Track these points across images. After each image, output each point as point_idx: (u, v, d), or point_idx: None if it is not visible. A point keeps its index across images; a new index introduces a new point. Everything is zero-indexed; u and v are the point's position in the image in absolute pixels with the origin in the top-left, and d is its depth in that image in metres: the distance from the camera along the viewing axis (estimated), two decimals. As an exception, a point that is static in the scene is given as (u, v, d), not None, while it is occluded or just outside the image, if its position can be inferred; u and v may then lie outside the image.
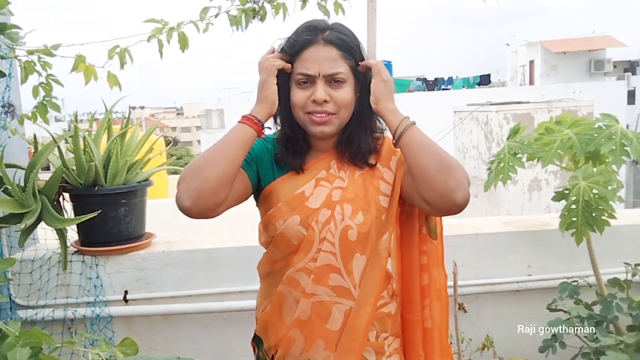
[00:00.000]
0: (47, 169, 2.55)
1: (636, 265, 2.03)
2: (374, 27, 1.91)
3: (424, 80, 22.84)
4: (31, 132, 2.16)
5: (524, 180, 8.97)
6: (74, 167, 2.08)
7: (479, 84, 22.23)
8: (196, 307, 2.15)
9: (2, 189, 1.95)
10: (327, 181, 1.32)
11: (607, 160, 2.01)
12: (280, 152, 1.35)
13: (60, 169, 2.01)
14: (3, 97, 1.99)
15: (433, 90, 21.37)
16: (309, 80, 1.27)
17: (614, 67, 24.21)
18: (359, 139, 1.33)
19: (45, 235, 2.19)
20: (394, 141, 1.28)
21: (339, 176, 1.33)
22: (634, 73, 24.49)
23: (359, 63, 1.31)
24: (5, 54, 1.79)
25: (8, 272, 2.06)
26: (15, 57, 1.85)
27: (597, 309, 1.95)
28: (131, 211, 2.13)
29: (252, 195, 1.38)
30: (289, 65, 1.29)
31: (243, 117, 1.28)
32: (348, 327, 1.29)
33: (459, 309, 2.17)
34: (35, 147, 2.03)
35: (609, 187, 1.92)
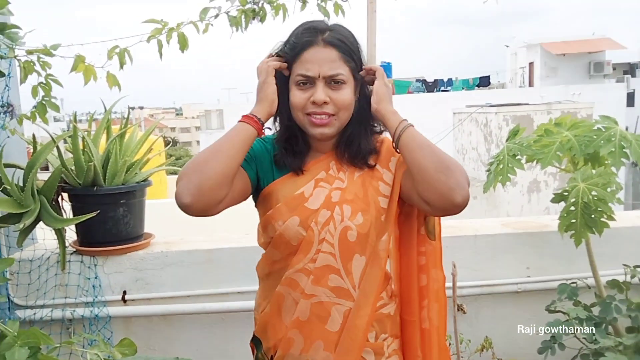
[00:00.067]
0: (46, 168, 2.55)
1: (635, 267, 2.03)
2: (373, 28, 1.91)
3: (424, 81, 22.83)
4: (30, 132, 2.16)
5: (523, 182, 8.99)
6: (73, 167, 2.08)
7: (478, 86, 22.21)
8: (195, 308, 2.15)
9: (1, 188, 1.94)
10: (326, 182, 1.32)
11: (606, 162, 2.01)
12: (279, 153, 1.35)
13: (59, 169, 2.00)
14: (2, 97, 1.99)
15: (432, 91, 21.36)
16: (309, 82, 1.27)
17: (614, 69, 24.24)
18: (359, 139, 1.33)
19: (44, 235, 2.19)
20: (394, 141, 1.28)
21: (338, 177, 1.33)
22: (633, 75, 24.50)
23: (363, 68, 1.32)
24: (5, 53, 1.79)
25: (6, 272, 2.05)
26: (15, 57, 1.85)
27: (596, 311, 1.95)
28: (130, 211, 2.13)
29: (251, 196, 1.38)
30: (285, 64, 1.30)
31: (243, 116, 1.28)
32: (347, 328, 1.29)
33: (458, 310, 2.17)
34: (34, 147, 2.03)
35: (608, 189, 1.92)
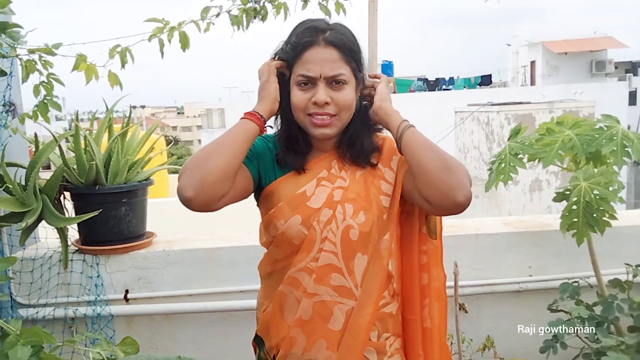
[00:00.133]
0: (48, 168, 2.55)
1: (637, 266, 2.03)
2: (375, 26, 1.91)
3: (425, 80, 22.80)
4: (32, 131, 2.16)
5: (525, 181, 8.98)
6: (75, 166, 2.08)
7: (480, 84, 22.19)
8: (197, 307, 2.15)
9: (3, 187, 1.95)
10: (328, 181, 1.32)
11: (608, 161, 2.01)
12: (281, 151, 1.35)
13: (61, 168, 2.01)
14: (4, 96, 1.99)
15: (434, 90, 21.34)
16: (310, 82, 1.27)
17: (616, 68, 24.19)
18: (361, 138, 1.34)
19: (46, 234, 2.19)
20: (396, 140, 1.28)
21: (340, 176, 1.33)
22: (635, 74, 24.44)
23: (368, 75, 1.34)
24: (7, 52, 1.80)
25: (9, 270, 2.06)
26: (17, 56, 1.86)
27: (598, 310, 1.95)
28: (132, 210, 2.13)
29: (253, 195, 1.38)
30: (285, 63, 1.31)
31: (246, 113, 1.29)
32: (350, 327, 1.29)
33: (460, 309, 2.17)
34: (36, 146, 2.03)
35: (610, 188, 1.91)
